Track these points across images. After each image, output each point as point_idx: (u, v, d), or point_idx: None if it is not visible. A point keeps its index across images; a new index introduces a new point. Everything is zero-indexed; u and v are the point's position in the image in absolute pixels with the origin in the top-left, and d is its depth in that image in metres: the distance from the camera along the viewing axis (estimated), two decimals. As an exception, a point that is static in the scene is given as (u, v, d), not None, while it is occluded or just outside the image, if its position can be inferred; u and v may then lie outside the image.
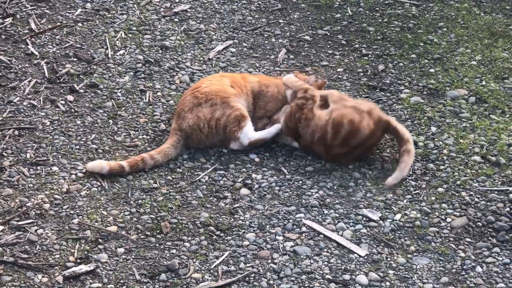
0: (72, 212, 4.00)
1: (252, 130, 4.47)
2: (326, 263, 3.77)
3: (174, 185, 4.24)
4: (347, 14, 6.03)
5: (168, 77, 5.15)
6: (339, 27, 5.87)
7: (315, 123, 4.38)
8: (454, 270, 3.76)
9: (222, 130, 4.44)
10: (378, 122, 4.34)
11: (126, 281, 3.63)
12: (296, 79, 4.63)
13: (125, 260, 3.74)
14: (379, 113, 4.40)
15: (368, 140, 4.34)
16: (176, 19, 5.86)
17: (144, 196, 4.14)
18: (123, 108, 4.82)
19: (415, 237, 3.95)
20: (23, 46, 5.37)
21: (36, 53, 5.30)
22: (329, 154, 4.37)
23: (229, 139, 4.46)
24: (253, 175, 4.31)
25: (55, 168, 4.29)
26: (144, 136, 4.60)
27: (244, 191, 4.21)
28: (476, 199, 4.18)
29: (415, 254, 3.84)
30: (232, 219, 4.02)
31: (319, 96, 4.52)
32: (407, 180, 4.32)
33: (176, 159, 4.42)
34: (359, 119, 4.30)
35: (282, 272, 3.70)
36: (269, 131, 4.52)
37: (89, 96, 4.92)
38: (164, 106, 4.85)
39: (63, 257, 3.73)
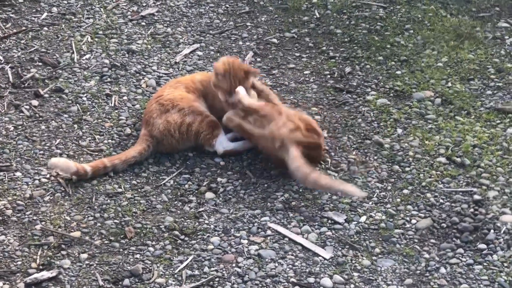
0: (35, 217, 3.96)
1: (226, 139, 4.46)
2: (290, 266, 3.76)
3: (139, 190, 4.21)
4: (315, 16, 6.04)
5: (135, 81, 5.13)
6: (306, 30, 5.87)
7: None
8: (418, 271, 3.76)
9: (194, 136, 4.42)
10: None
11: (89, 287, 3.60)
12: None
13: (88, 266, 3.71)
14: None
15: None
16: (143, 23, 5.84)
17: (109, 201, 4.11)
18: (88, 113, 4.79)
19: (380, 239, 3.95)
20: (-13, 50, 5.33)
21: (1, 57, 5.26)
22: None
23: (203, 146, 4.45)
24: (218, 179, 4.30)
25: (18, 174, 4.25)
26: (110, 140, 4.57)
27: (209, 194, 4.19)
28: (441, 200, 4.19)
29: (379, 256, 3.84)
30: (197, 223, 4.00)
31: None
32: (373, 182, 4.32)
33: (142, 163, 4.39)
34: None
35: (247, 275, 3.69)
36: (244, 145, 4.51)
37: (54, 100, 4.89)
38: (130, 111, 4.82)
39: (25, 264, 3.69)
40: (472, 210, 4.12)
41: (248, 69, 4.54)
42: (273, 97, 4.64)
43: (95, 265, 3.72)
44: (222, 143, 4.44)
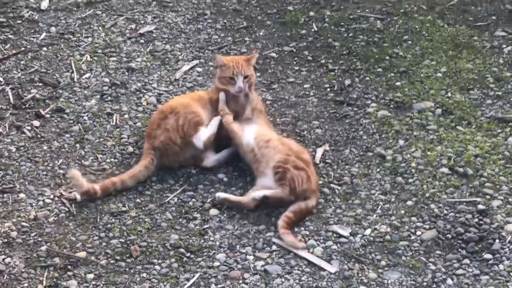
0: (40, 239, 3.96)
1: (205, 131, 4.47)
2: (297, 281, 3.76)
3: (143, 208, 4.21)
4: (313, 30, 6.06)
5: (135, 99, 5.13)
6: (305, 43, 5.89)
7: None
8: (425, 283, 3.76)
9: (186, 136, 4.44)
10: None
11: (96, 307, 3.60)
12: None
13: (95, 286, 3.70)
14: None
15: None
16: (141, 41, 5.85)
17: (113, 220, 4.11)
18: (90, 132, 4.79)
19: (386, 251, 3.95)
20: (-13, 72, 5.33)
21: (1, 79, 5.26)
22: None
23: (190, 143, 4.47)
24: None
25: (22, 195, 4.24)
26: (112, 159, 4.57)
27: (214, 211, 4.19)
28: (445, 211, 4.20)
29: (386, 268, 3.84)
30: (202, 240, 4.00)
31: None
32: (376, 195, 4.32)
33: (145, 182, 4.39)
34: None
35: (254, 292, 3.69)
36: (215, 122, 4.53)
37: (56, 121, 4.89)
38: (132, 129, 4.83)
39: (32, 286, 3.68)
40: (476, 220, 4.12)
41: (248, 56, 4.70)
42: (260, 107, 4.70)
43: (101, 285, 3.71)
44: (201, 136, 4.44)
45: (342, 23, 6.15)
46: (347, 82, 5.39)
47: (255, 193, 4.18)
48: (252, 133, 4.42)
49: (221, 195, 4.23)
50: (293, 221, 4.08)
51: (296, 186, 4.15)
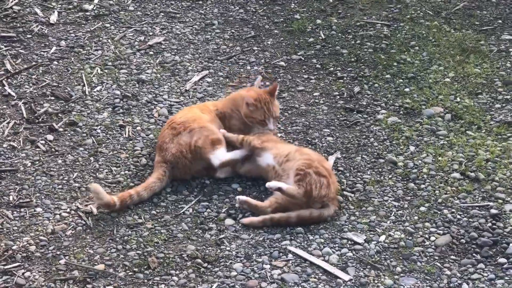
0: (58, 252, 4.00)
1: (224, 152, 4.49)
2: (314, 289, 3.80)
3: (159, 219, 4.25)
4: (320, 38, 6.10)
5: (147, 110, 5.18)
6: (313, 51, 5.93)
7: None
8: (441, 288, 3.80)
9: (200, 151, 4.47)
10: None
11: (117, 319, 3.64)
12: None
13: (114, 298, 3.75)
14: None
15: None
16: (151, 52, 5.89)
17: (130, 232, 4.15)
18: (103, 145, 4.84)
19: (401, 257, 3.99)
20: (0, 87, 5.37)
21: (13, 94, 5.31)
22: None
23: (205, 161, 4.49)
24: (237, 205, 4.33)
25: (39, 209, 4.29)
26: (126, 171, 4.61)
27: (229, 221, 4.23)
28: (458, 216, 4.24)
29: (401, 275, 3.88)
30: (219, 250, 4.03)
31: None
32: (389, 201, 4.36)
33: (160, 193, 4.43)
34: None
35: (272, 300, 3.73)
36: (241, 153, 4.54)
37: (69, 134, 4.93)
38: (144, 140, 4.87)
39: (52, 299, 3.73)
40: (490, 224, 4.16)
41: (272, 91, 4.72)
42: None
43: (121, 297, 3.76)
44: (218, 156, 4.47)
45: (349, 31, 6.19)
46: (356, 89, 5.43)
47: (270, 183, 4.22)
48: (269, 154, 4.45)
49: (241, 197, 4.27)
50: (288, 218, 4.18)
51: (313, 190, 4.17)
